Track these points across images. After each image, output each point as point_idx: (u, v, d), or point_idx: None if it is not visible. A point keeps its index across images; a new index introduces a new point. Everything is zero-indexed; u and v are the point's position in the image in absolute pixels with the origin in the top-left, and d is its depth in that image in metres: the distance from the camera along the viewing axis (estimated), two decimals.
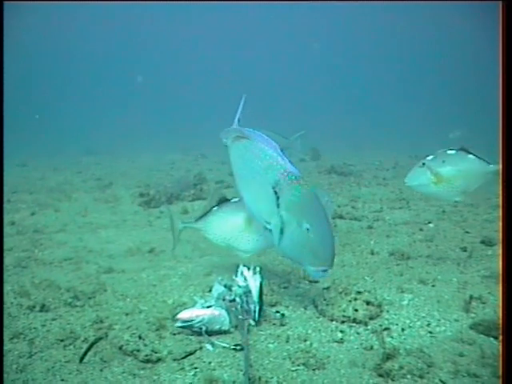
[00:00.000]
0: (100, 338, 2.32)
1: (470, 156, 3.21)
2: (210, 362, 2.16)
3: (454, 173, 3.19)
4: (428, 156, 3.25)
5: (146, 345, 2.25)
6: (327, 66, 34.35)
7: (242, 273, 2.56)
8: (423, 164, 3.22)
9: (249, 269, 2.59)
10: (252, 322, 2.43)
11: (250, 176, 2.76)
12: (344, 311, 2.54)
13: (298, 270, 3.31)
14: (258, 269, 2.59)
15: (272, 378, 2.03)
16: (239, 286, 2.51)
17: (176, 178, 7.13)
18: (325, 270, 2.49)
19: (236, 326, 2.43)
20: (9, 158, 9.17)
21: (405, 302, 2.76)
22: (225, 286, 2.52)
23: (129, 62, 33.10)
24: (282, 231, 2.54)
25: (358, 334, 2.41)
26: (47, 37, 30.95)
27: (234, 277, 2.57)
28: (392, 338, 2.37)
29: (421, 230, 4.35)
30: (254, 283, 2.52)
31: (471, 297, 2.68)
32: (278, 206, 2.56)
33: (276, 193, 2.58)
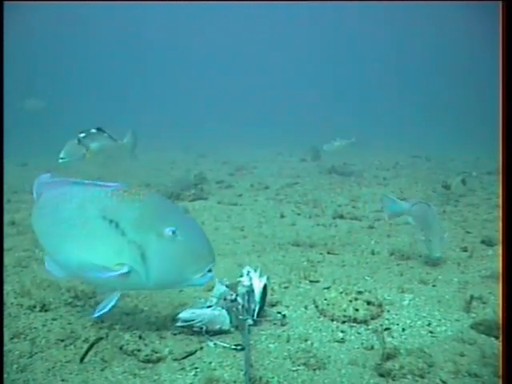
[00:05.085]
0: (101, 338, 2.32)
1: (105, 135, 4.33)
2: (210, 362, 2.16)
3: (97, 148, 4.29)
4: (81, 133, 4.15)
5: (146, 345, 2.25)
6: (327, 67, 34.38)
7: (248, 273, 2.56)
8: (78, 140, 4.13)
9: (255, 270, 2.59)
10: (250, 321, 2.43)
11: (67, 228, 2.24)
12: (345, 311, 2.54)
13: (298, 269, 3.31)
14: (264, 277, 2.58)
15: (273, 377, 2.03)
16: (243, 286, 2.50)
17: (176, 178, 7.13)
18: (210, 270, 2.18)
19: (237, 326, 2.43)
20: (9, 157, 9.17)
21: (405, 302, 2.76)
22: (227, 286, 2.51)
23: (131, 60, 33.12)
24: (143, 256, 2.09)
25: (358, 333, 2.41)
26: (48, 35, 30.98)
27: (239, 277, 2.57)
28: (393, 337, 2.37)
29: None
30: (258, 284, 2.52)
31: (472, 297, 2.68)
32: (122, 233, 2.12)
33: (111, 220, 2.14)
